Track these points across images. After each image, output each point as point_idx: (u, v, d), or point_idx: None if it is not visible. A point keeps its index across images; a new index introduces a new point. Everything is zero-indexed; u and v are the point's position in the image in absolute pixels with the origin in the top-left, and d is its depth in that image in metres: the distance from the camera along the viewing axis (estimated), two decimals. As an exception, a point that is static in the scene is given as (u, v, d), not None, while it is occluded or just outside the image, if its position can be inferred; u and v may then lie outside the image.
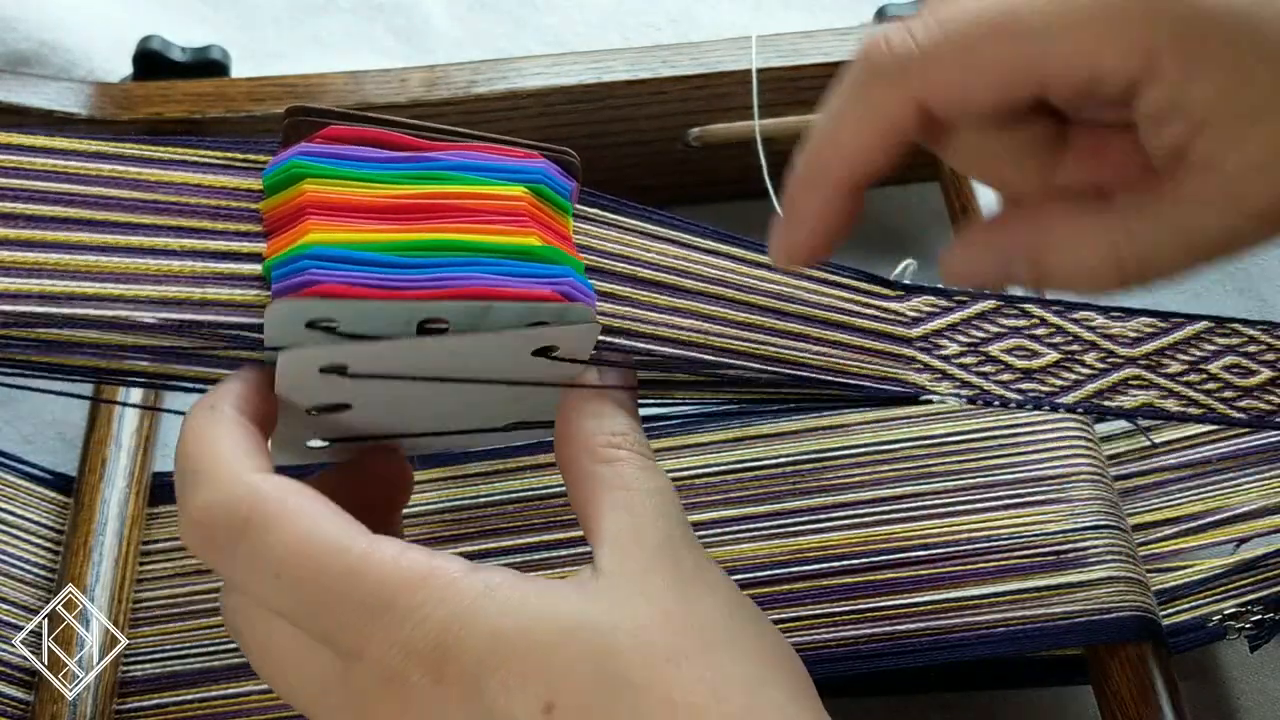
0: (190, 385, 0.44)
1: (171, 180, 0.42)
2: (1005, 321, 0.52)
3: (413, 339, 0.40)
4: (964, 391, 0.50)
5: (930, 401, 0.49)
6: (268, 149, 0.44)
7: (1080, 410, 0.51)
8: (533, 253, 0.41)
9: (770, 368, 0.47)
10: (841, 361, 0.49)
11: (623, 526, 0.40)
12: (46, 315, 0.39)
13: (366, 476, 0.46)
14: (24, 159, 0.42)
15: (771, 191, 0.65)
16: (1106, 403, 0.51)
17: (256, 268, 0.41)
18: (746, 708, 0.37)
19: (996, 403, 0.50)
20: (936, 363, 0.50)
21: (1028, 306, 0.53)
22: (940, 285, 0.53)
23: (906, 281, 0.52)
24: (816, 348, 0.48)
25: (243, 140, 0.46)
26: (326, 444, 0.45)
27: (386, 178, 0.41)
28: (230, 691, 0.54)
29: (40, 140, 0.42)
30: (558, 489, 0.58)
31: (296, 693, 0.40)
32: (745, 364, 0.46)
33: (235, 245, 0.42)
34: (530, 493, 0.58)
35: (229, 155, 0.44)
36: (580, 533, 0.47)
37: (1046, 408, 0.50)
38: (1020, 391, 0.50)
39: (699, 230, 0.49)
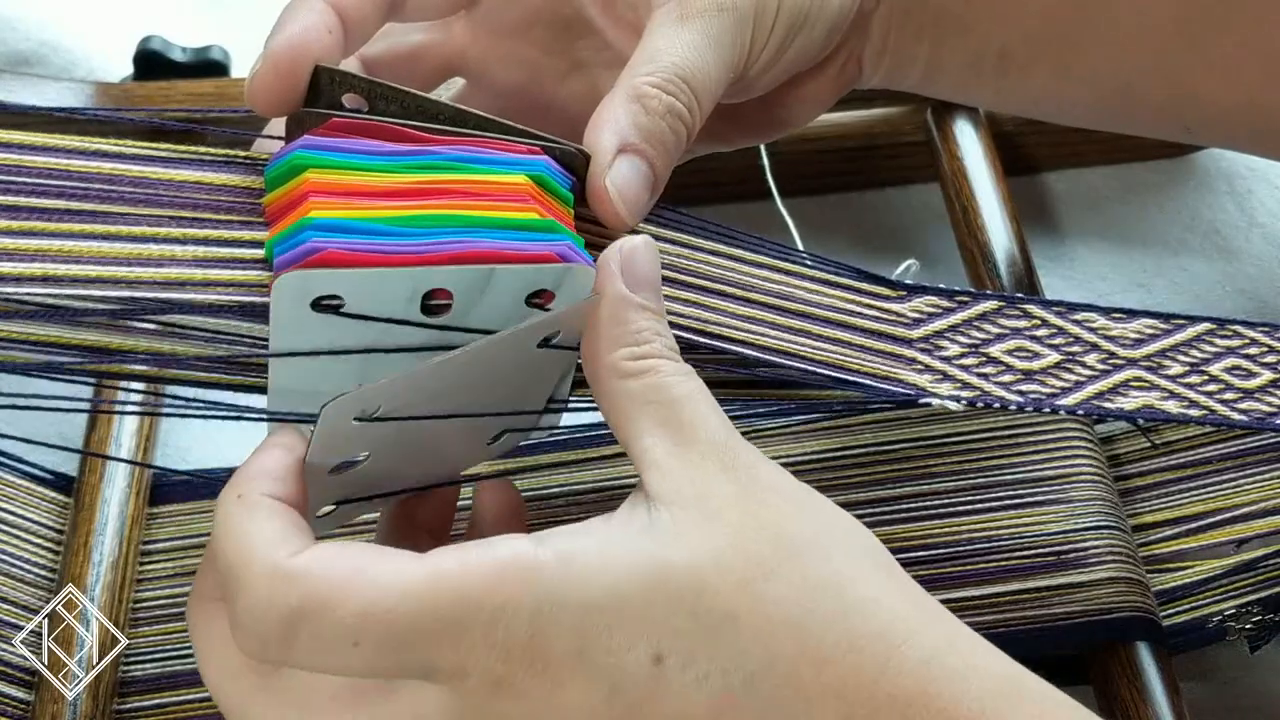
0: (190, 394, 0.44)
1: (173, 179, 0.43)
2: (1006, 323, 0.52)
3: (431, 365, 0.40)
4: (964, 394, 0.50)
5: (930, 405, 0.49)
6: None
7: (1081, 412, 0.51)
8: (533, 224, 0.42)
9: (768, 356, 0.47)
10: (842, 358, 0.49)
11: (664, 447, 0.39)
12: (50, 297, 0.39)
13: (417, 505, 0.47)
14: (25, 157, 0.42)
15: (774, 192, 0.65)
16: (1107, 404, 0.51)
17: (259, 252, 0.41)
18: (839, 611, 0.37)
19: (997, 404, 0.50)
20: (937, 364, 0.50)
21: (1029, 307, 0.53)
22: (942, 285, 0.53)
23: (908, 282, 0.52)
24: (817, 343, 0.48)
25: (243, 130, 0.46)
26: (332, 509, 0.45)
27: (388, 167, 0.42)
28: (230, 692, 0.54)
29: (39, 138, 0.42)
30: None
31: None
32: (742, 351, 0.46)
33: (237, 234, 0.42)
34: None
35: (230, 153, 0.44)
36: None
37: (1047, 410, 0.50)
38: (1021, 393, 0.50)
39: (699, 229, 0.49)
